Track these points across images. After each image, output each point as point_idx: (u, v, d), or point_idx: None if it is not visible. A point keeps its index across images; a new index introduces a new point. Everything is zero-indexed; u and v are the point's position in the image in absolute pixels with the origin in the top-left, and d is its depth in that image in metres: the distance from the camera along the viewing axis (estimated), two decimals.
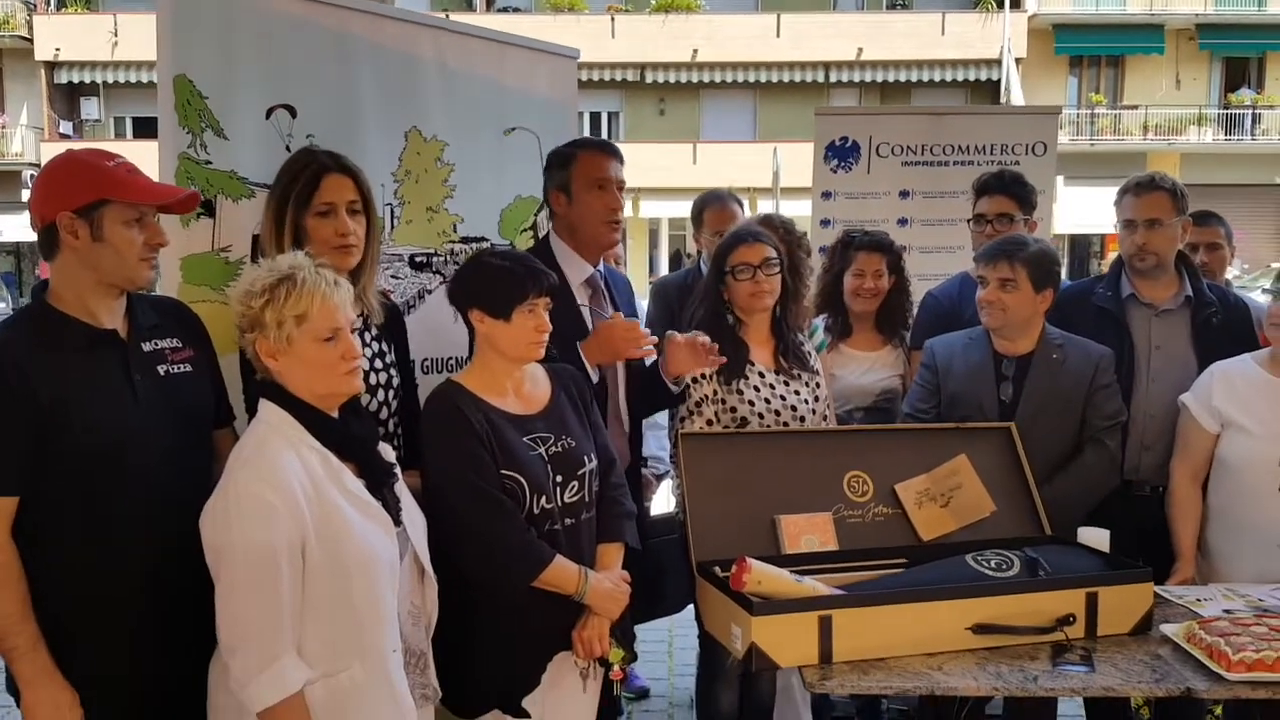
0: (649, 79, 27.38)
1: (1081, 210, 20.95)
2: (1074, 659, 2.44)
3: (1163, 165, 20.87)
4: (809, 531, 2.87)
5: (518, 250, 2.62)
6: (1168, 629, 2.57)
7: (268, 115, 2.91)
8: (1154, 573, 2.70)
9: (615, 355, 2.99)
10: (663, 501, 4.30)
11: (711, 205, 4.54)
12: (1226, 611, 2.69)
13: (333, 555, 2.10)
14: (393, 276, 3.25)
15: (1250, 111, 26.98)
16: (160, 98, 2.75)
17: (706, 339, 3.00)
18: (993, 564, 2.66)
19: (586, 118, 25.86)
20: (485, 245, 3.51)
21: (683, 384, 3.09)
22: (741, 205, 4.65)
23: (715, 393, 3.14)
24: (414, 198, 3.33)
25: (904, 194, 5.23)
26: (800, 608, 2.43)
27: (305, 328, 2.15)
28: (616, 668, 2.59)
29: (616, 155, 3.15)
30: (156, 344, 2.33)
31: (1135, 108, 26.96)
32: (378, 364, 2.73)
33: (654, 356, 3.03)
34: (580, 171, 3.09)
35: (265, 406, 2.19)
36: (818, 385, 3.32)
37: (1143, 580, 2.64)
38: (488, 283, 2.53)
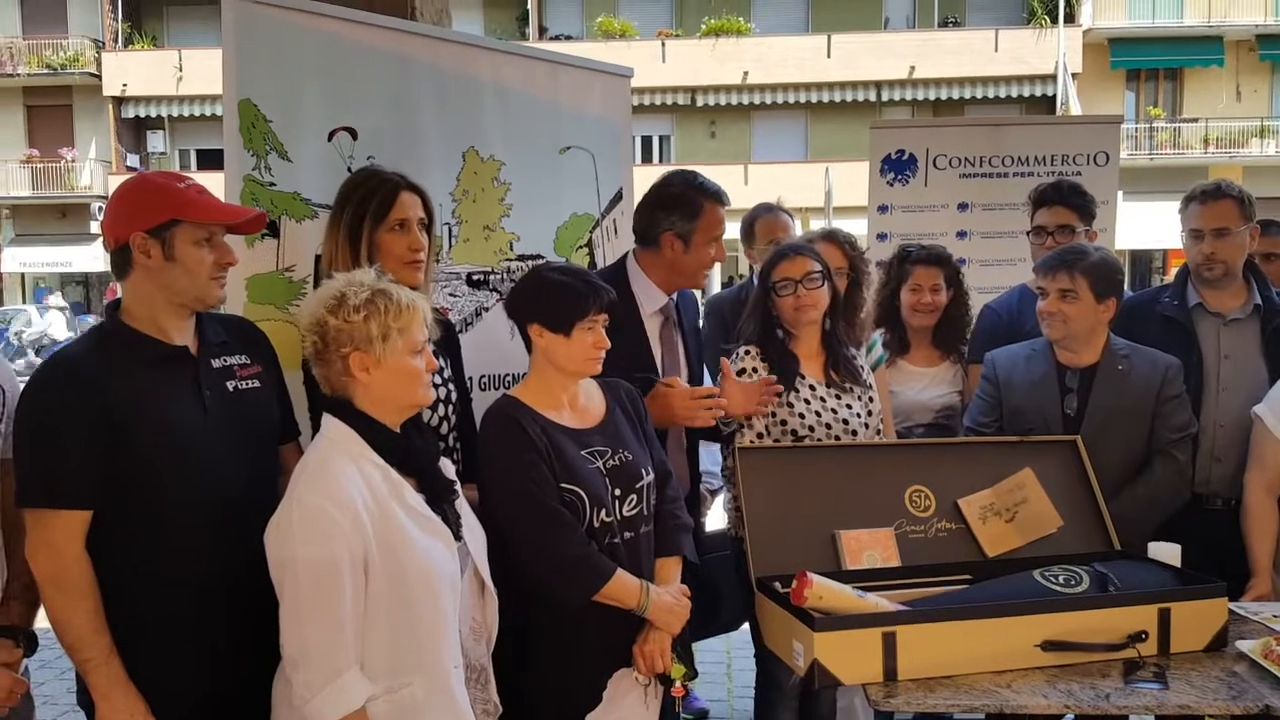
0: (700, 102, 27.50)
1: (1142, 225, 20.60)
2: (1147, 676, 2.38)
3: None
4: (870, 547, 2.83)
5: (578, 266, 2.64)
6: (1244, 645, 2.50)
7: (330, 138, 2.97)
8: (1227, 588, 2.63)
9: (672, 422, 2.95)
10: (715, 518, 4.29)
11: (762, 216, 4.57)
12: None
13: (394, 570, 2.11)
14: (450, 294, 3.29)
15: None
16: (226, 121, 2.81)
17: (773, 380, 3.00)
18: (1061, 580, 2.60)
19: (639, 141, 25.98)
20: (542, 262, 3.53)
21: (732, 425, 3.07)
22: (792, 216, 4.66)
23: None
24: (471, 216, 3.37)
25: (963, 206, 5.18)
26: (864, 623, 2.39)
27: (406, 340, 2.19)
28: (678, 684, 2.57)
29: (728, 204, 3.15)
30: (225, 360, 2.38)
31: (1195, 121, 26.53)
32: (436, 379, 2.74)
33: (711, 424, 3.00)
34: (705, 225, 3.06)
35: (329, 422, 2.21)
36: (870, 399, 3.28)
37: (1216, 595, 2.57)
38: (549, 297, 2.53)
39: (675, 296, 3.22)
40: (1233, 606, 2.70)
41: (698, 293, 3.60)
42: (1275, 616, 2.76)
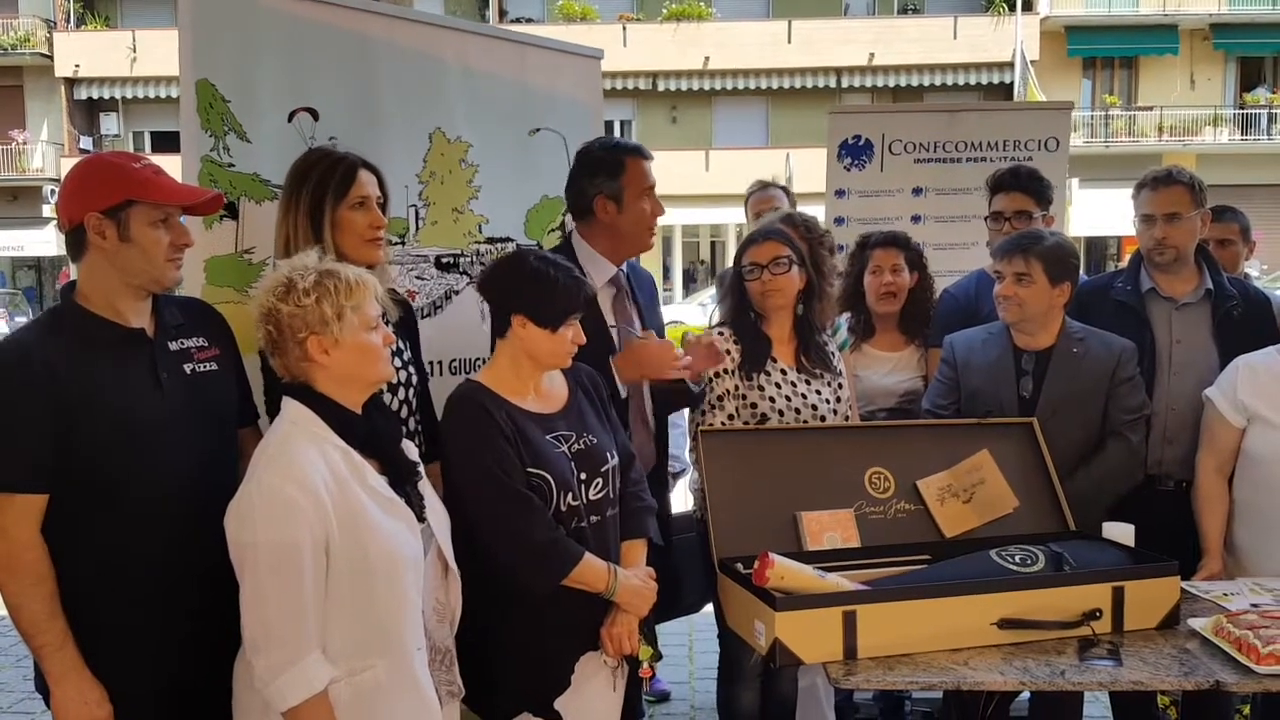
0: (661, 87, 27.45)
1: (1097, 212, 20.85)
2: (1101, 653, 2.43)
3: None
4: (831, 528, 2.86)
5: (556, 256, 2.63)
6: (1195, 623, 2.55)
7: (290, 118, 2.93)
8: (1179, 567, 2.68)
9: (649, 375, 2.99)
10: (679, 500, 4.31)
11: (754, 193, 4.78)
12: (1254, 605, 2.67)
13: (356, 553, 2.10)
14: (418, 277, 3.26)
15: (1266, 111, 26.85)
16: (183, 101, 2.77)
17: (715, 340, 3.04)
18: (1017, 559, 2.64)
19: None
20: (511, 246, 3.52)
21: (703, 384, 3.09)
22: (787, 192, 4.77)
23: (736, 388, 3.15)
24: (439, 199, 3.34)
25: (917, 191, 5.21)
26: (824, 603, 2.42)
27: (360, 316, 2.18)
28: (646, 665, 2.59)
29: (652, 159, 3.15)
30: (183, 343, 2.36)
31: (1150, 109, 26.85)
32: (397, 362, 2.72)
33: (677, 376, 3.02)
34: (632, 180, 3.05)
35: (289, 404, 2.19)
36: (840, 386, 3.31)
37: (1169, 574, 2.62)
38: (542, 292, 2.50)
39: (626, 269, 3.23)
40: (1185, 585, 2.75)
41: (661, 283, 3.59)
42: (1226, 595, 2.82)
